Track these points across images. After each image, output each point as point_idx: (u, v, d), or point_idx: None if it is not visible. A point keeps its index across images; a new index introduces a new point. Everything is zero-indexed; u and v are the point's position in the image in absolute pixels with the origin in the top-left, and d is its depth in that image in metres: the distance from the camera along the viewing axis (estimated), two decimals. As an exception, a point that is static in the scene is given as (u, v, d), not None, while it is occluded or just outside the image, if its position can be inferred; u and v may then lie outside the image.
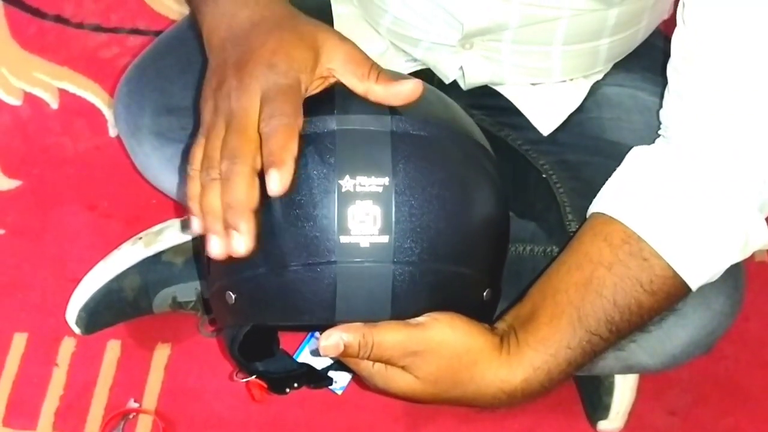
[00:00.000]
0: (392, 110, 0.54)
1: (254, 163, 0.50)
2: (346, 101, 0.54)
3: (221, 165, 0.51)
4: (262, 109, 0.51)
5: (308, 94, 0.54)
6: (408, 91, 0.54)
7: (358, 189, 0.52)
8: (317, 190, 0.52)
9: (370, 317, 0.53)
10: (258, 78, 0.52)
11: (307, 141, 0.52)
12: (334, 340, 0.52)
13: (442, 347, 0.54)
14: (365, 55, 0.55)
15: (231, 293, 0.56)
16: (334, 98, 0.54)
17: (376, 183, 0.52)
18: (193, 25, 0.84)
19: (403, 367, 0.55)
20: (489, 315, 0.60)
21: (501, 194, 0.59)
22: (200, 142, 0.53)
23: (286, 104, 0.51)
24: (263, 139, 0.50)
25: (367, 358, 0.54)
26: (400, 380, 0.55)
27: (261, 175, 0.50)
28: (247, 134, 0.51)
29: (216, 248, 0.51)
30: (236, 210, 0.50)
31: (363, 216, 0.52)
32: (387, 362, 0.54)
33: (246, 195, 0.50)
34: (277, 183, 0.49)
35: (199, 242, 0.59)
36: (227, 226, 0.50)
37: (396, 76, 0.55)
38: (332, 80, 0.55)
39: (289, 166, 0.50)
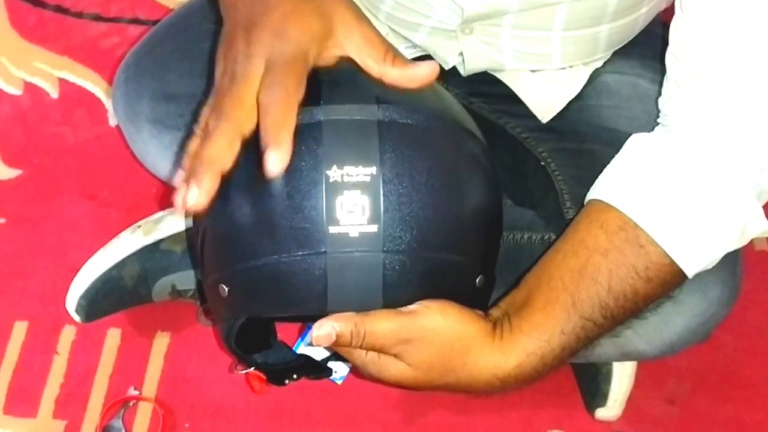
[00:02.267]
0: (379, 99, 0.54)
1: (240, 127, 0.50)
2: (332, 91, 0.54)
3: (209, 122, 0.51)
4: (265, 76, 0.51)
5: (319, 65, 0.53)
6: (424, 74, 0.53)
7: (346, 179, 0.51)
8: (305, 181, 0.52)
9: (362, 306, 0.53)
10: (264, 44, 0.51)
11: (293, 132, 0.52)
12: (326, 329, 0.52)
13: (434, 335, 0.54)
14: (382, 37, 0.55)
15: (224, 286, 0.56)
16: (320, 89, 0.54)
17: (363, 172, 0.51)
18: (189, 13, 0.84)
19: (395, 355, 0.55)
20: (483, 302, 0.60)
21: (492, 181, 0.59)
22: (209, 103, 0.53)
23: (289, 75, 0.50)
24: (260, 109, 0.50)
25: (360, 347, 0.54)
26: (393, 368, 0.56)
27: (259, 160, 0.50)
28: (242, 100, 0.50)
29: (176, 199, 0.50)
30: (203, 164, 0.49)
31: (351, 206, 0.51)
32: (380, 351, 0.54)
33: (219, 152, 0.49)
34: (274, 163, 0.49)
35: (193, 234, 0.59)
36: (191, 178, 0.49)
37: (407, 62, 0.54)
38: (338, 53, 0.54)
39: (287, 145, 0.49)
